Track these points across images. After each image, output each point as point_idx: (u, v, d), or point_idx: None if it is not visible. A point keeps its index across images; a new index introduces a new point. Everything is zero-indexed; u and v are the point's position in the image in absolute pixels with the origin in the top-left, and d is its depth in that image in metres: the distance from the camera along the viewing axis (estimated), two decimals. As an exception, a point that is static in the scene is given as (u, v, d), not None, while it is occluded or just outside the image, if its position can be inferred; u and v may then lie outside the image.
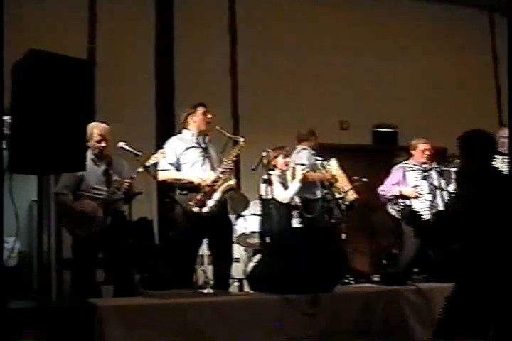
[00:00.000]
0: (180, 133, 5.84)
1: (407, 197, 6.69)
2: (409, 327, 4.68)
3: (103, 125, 5.68)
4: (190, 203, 5.39)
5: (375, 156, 9.17)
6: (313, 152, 7.05)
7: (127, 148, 5.47)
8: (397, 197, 6.76)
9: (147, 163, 5.53)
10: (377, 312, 4.62)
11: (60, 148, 3.62)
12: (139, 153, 5.47)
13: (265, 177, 6.24)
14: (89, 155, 5.43)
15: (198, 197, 5.42)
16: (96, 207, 5.52)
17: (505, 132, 7.07)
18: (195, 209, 5.38)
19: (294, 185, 6.68)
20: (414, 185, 6.71)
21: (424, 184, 6.69)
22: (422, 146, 6.88)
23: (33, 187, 3.91)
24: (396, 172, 6.92)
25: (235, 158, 5.70)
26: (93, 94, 6.27)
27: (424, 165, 6.80)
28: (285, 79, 8.82)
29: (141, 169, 5.45)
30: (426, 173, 6.72)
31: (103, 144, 5.61)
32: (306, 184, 6.81)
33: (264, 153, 6.14)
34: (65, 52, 3.78)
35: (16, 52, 3.66)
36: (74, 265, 5.67)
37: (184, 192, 5.54)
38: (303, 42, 9.01)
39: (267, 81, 8.70)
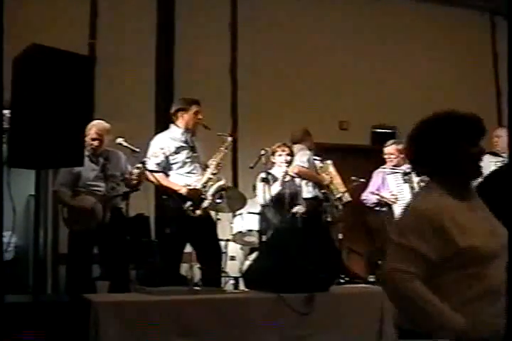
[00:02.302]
0: (166, 128, 5.78)
1: (388, 203, 6.65)
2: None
3: (104, 124, 5.68)
4: (183, 207, 5.40)
5: (374, 157, 9.14)
6: (309, 152, 7.05)
7: (125, 144, 5.48)
8: (377, 204, 6.72)
9: (146, 159, 5.54)
10: (373, 313, 4.62)
11: (58, 143, 3.62)
12: (137, 149, 5.47)
13: (263, 175, 6.25)
14: (85, 152, 5.43)
15: (189, 203, 5.43)
16: (95, 202, 5.53)
17: (498, 131, 7.03)
18: (189, 213, 5.40)
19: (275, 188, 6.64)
20: (394, 189, 6.65)
21: (406, 187, 6.63)
22: (385, 150, 6.84)
23: (31, 182, 3.91)
24: (376, 177, 6.86)
25: (222, 158, 5.66)
26: (93, 89, 6.28)
27: (402, 168, 6.69)
28: (285, 79, 8.82)
29: (140, 165, 5.45)
30: (406, 176, 6.64)
31: (96, 143, 5.60)
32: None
33: (262, 152, 6.16)
34: (66, 47, 3.78)
35: (16, 46, 3.66)
36: (69, 260, 5.68)
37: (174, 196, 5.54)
38: (303, 42, 9.00)
39: (267, 80, 8.70)
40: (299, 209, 6.63)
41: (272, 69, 8.76)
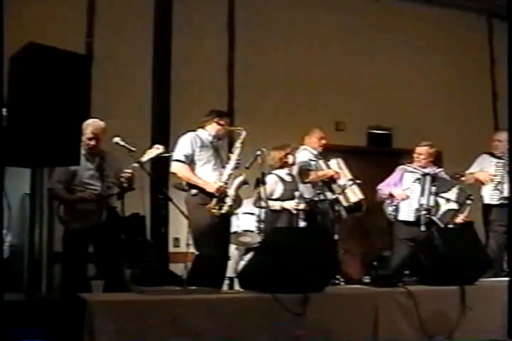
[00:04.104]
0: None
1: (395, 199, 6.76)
2: (399, 329, 4.69)
3: (99, 123, 5.66)
4: (207, 207, 5.46)
5: (370, 158, 9.18)
6: (314, 152, 7.06)
7: (122, 143, 5.49)
8: (389, 196, 6.83)
9: (142, 159, 5.55)
10: (367, 314, 4.63)
11: (54, 142, 3.63)
12: (133, 148, 5.48)
13: (260, 176, 6.25)
14: (82, 150, 5.42)
15: (214, 200, 5.50)
16: (90, 202, 5.53)
17: (499, 135, 7.16)
18: (215, 211, 5.46)
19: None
20: (407, 187, 6.73)
21: (417, 187, 6.70)
22: (416, 150, 6.90)
23: (26, 180, 3.91)
24: (396, 173, 6.97)
25: (240, 152, 5.78)
26: (89, 88, 6.28)
27: (425, 170, 6.80)
28: (282, 79, 8.83)
29: (135, 164, 5.46)
30: (421, 177, 6.73)
31: (93, 142, 5.60)
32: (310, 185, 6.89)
33: (258, 152, 6.15)
34: (63, 45, 3.77)
35: (13, 45, 3.65)
36: (65, 259, 5.68)
37: (193, 193, 5.58)
38: (300, 42, 9.02)
39: (263, 80, 8.70)
40: (292, 203, 6.65)
41: (268, 70, 8.76)
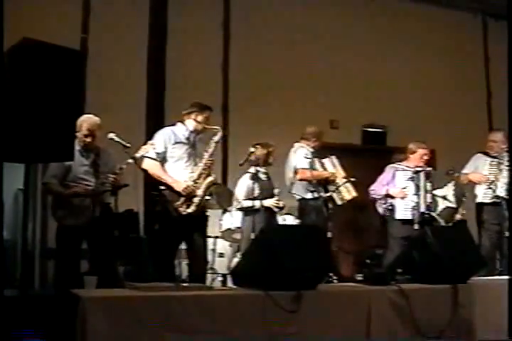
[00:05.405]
0: (173, 125, 5.82)
1: (394, 197, 6.78)
2: (391, 327, 4.70)
3: (94, 119, 5.65)
4: (175, 205, 5.42)
5: (364, 156, 9.19)
6: (311, 150, 7.04)
7: (117, 139, 5.48)
8: (385, 196, 6.84)
9: (137, 155, 5.54)
10: (360, 312, 4.63)
11: (48, 137, 3.62)
12: (128, 144, 5.47)
13: (252, 172, 6.24)
14: (77, 146, 5.42)
15: (182, 199, 5.47)
16: (85, 197, 5.52)
17: (494, 136, 7.21)
18: (182, 210, 5.42)
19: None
20: (401, 186, 6.75)
21: (411, 185, 6.73)
22: (421, 151, 6.95)
23: (19, 176, 3.90)
24: (387, 172, 6.99)
25: (213, 151, 5.68)
26: (83, 84, 6.25)
27: (416, 168, 6.84)
28: (276, 77, 8.83)
29: (130, 160, 5.45)
30: (414, 175, 6.76)
31: (89, 139, 5.59)
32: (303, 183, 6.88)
33: (252, 149, 6.15)
34: (58, 41, 3.77)
35: (8, 40, 3.65)
36: (58, 255, 5.67)
37: (163, 188, 5.56)
38: (295, 40, 9.02)
39: (258, 78, 8.70)
40: (272, 201, 6.65)
41: (263, 69, 8.76)
